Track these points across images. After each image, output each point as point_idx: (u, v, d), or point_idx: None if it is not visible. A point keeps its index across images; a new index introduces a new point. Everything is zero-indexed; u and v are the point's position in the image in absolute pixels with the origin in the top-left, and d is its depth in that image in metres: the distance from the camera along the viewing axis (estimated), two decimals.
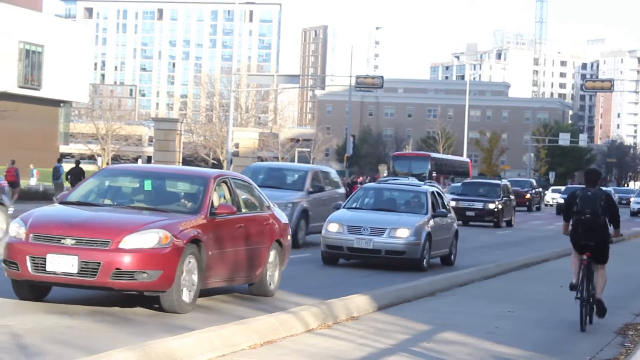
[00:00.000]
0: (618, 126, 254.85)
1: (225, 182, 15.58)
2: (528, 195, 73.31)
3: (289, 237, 17.48)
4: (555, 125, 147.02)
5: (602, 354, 12.49)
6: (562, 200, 60.52)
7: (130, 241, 13.36)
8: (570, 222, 14.30)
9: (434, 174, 76.81)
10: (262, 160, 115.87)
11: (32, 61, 71.70)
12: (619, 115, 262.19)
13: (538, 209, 75.68)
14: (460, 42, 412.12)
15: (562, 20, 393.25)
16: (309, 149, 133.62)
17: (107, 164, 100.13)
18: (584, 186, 14.44)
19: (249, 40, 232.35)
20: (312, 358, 11.23)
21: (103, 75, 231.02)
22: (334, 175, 31.61)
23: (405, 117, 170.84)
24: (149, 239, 13.47)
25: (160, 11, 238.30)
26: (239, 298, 16.28)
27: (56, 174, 50.20)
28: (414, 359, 11.67)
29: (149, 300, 14.21)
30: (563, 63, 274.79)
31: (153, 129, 67.59)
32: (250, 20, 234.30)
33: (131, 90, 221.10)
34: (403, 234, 22.42)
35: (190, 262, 13.90)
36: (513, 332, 14.05)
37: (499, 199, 47.06)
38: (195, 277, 14.09)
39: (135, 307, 14.28)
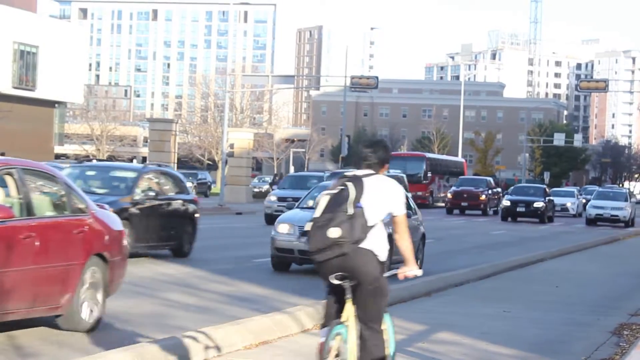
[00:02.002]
0: (613, 126, 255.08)
1: (10, 174, 11.18)
2: (483, 197, 63.70)
3: (124, 249, 13.01)
4: (550, 125, 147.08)
5: (597, 354, 12.49)
6: (508, 203, 56.20)
7: None
8: None
9: (429, 174, 76.89)
10: (257, 161, 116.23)
11: (26, 62, 71.61)
12: (613, 116, 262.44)
13: (496, 212, 63.09)
14: (455, 42, 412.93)
15: (556, 21, 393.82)
16: (304, 150, 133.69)
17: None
18: None
19: (243, 41, 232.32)
20: (307, 358, 11.22)
21: (98, 76, 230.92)
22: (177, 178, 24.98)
23: (400, 117, 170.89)
24: None
25: (155, 12, 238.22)
26: (235, 298, 16.27)
27: None
28: (410, 359, 11.67)
29: None
30: (558, 63, 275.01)
31: (148, 129, 67.66)
32: (245, 20, 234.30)
33: (126, 90, 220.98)
34: None
35: None
36: (508, 332, 14.05)
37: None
38: None
39: (131, 308, 14.27)
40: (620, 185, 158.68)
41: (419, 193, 70.54)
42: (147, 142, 79.89)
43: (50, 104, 76.87)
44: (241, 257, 23.72)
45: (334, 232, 7.62)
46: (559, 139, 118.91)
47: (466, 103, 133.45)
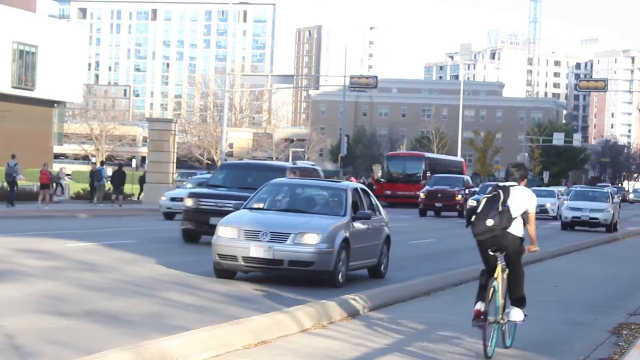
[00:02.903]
0: (612, 126, 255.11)
1: None
2: (459, 196, 58.67)
3: None
4: (549, 125, 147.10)
5: (596, 354, 12.50)
6: (474, 203, 49.99)
7: None
8: None
9: (428, 174, 76.89)
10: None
11: (25, 61, 71.61)
12: (612, 115, 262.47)
13: None
14: (454, 42, 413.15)
15: (556, 20, 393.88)
16: (303, 149, 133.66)
17: (102, 164, 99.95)
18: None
19: (243, 41, 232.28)
20: (306, 358, 11.22)
21: (97, 76, 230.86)
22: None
23: (399, 117, 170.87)
24: None
25: (154, 11, 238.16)
26: (234, 298, 16.27)
27: (98, 176, 53.02)
28: (409, 358, 11.68)
29: None
30: (557, 63, 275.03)
31: (147, 129, 67.59)
32: (244, 20, 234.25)
33: (125, 90, 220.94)
34: (312, 240, 18.01)
35: None
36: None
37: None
38: None
39: (130, 308, 14.27)
40: (620, 185, 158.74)
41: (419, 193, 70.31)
42: (146, 141, 79.86)
43: (50, 103, 76.90)
44: None
45: (489, 222, 11.80)
46: (558, 139, 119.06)
47: (465, 103, 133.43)
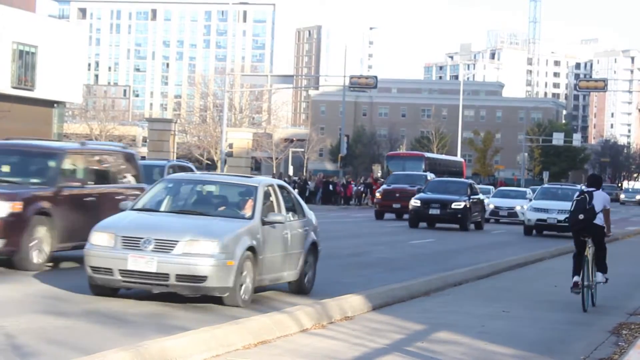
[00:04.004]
0: (612, 126, 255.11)
1: None
2: None
3: None
4: (549, 124, 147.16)
5: (596, 354, 12.51)
6: (417, 203, 43.06)
7: None
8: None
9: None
10: (256, 161, 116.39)
11: (25, 62, 71.59)
12: (612, 115, 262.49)
13: None
14: (454, 42, 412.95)
15: (555, 20, 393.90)
16: (303, 149, 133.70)
17: None
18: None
19: (242, 41, 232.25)
20: (306, 358, 11.23)
21: (97, 76, 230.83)
22: None
23: (399, 117, 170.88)
24: None
25: (154, 11, 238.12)
26: None
27: None
28: (409, 358, 11.68)
29: None
30: (557, 63, 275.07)
31: (147, 129, 67.65)
32: (244, 20, 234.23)
33: (125, 90, 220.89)
34: (206, 249, 14.59)
35: None
36: (507, 331, 14.07)
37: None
38: None
39: (130, 308, 14.27)
40: (619, 185, 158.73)
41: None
42: (146, 141, 79.87)
43: (49, 103, 76.92)
44: None
45: (580, 217, 16.79)
46: (558, 139, 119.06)
47: (465, 103, 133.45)
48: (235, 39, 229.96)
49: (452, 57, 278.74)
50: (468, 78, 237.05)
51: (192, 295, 14.94)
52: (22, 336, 11.54)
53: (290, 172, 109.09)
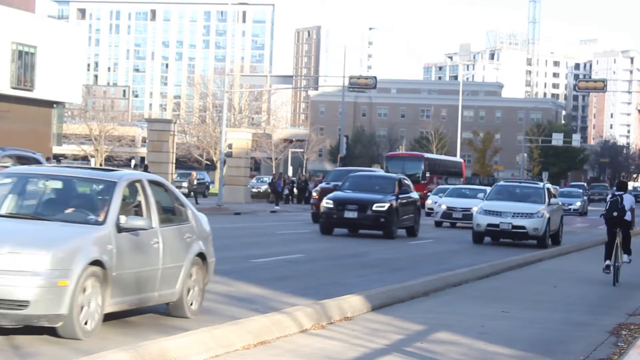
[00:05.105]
0: (611, 126, 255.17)
1: None
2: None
3: None
4: (549, 125, 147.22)
5: (595, 354, 12.50)
6: (329, 204, 34.07)
7: None
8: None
9: (428, 174, 76.94)
10: (256, 162, 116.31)
11: (24, 62, 71.58)
12: (612, 116, 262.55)
13: None
14: (453, 42, 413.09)
15: (555, 21, 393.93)
16: (302, 150, 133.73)
17: (101, 164, 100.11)
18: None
19: (242, 41, 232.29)
20: (305, 358, 11.23)
21: (96, 76, 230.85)
22: None
23: (398, 117, 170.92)
24: None
25: (153, 12, 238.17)
26: (233, 298, 16.27)
27: None
28: (408, 359, 11.68)
29: None
30: (556, 63, 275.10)
31: (146, 129, 67.62)
32: (244, 20, 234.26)
33: (124, 91, 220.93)
34: (29, 265, 11.00)
35: None
36: (507, 332, 14.06)
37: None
38: None
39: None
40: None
41: (418, 193, 70.08)
42: (145, 142, 79.89)
43: (49, 104, 76.86)
44: (239, 258, 23.71)
45: (614, 214, 21.54)
46: (557, 139, 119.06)
47: (464, 103, 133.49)
48: (234, 40, 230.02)
49: (451, 58, 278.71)
50: (467, 78, 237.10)
51: (14, 326, 11.25)
52: (22, 336, 11.53)
53: (290, 173, 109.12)
